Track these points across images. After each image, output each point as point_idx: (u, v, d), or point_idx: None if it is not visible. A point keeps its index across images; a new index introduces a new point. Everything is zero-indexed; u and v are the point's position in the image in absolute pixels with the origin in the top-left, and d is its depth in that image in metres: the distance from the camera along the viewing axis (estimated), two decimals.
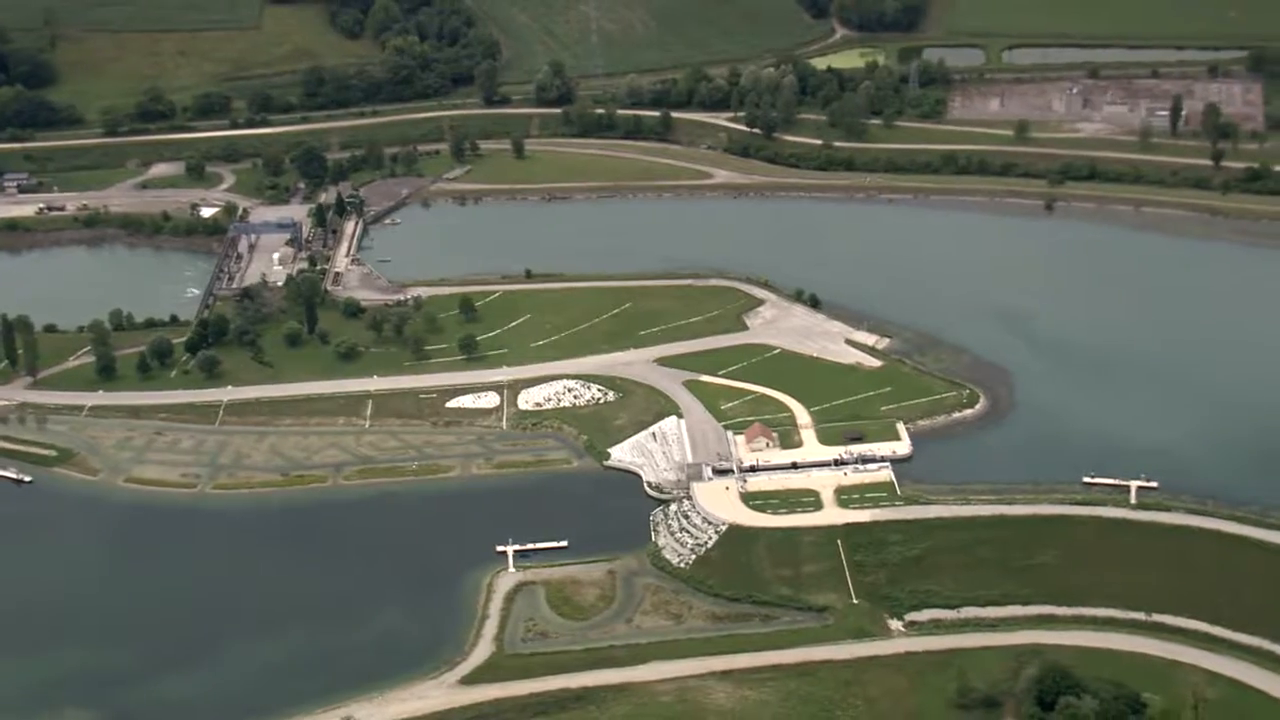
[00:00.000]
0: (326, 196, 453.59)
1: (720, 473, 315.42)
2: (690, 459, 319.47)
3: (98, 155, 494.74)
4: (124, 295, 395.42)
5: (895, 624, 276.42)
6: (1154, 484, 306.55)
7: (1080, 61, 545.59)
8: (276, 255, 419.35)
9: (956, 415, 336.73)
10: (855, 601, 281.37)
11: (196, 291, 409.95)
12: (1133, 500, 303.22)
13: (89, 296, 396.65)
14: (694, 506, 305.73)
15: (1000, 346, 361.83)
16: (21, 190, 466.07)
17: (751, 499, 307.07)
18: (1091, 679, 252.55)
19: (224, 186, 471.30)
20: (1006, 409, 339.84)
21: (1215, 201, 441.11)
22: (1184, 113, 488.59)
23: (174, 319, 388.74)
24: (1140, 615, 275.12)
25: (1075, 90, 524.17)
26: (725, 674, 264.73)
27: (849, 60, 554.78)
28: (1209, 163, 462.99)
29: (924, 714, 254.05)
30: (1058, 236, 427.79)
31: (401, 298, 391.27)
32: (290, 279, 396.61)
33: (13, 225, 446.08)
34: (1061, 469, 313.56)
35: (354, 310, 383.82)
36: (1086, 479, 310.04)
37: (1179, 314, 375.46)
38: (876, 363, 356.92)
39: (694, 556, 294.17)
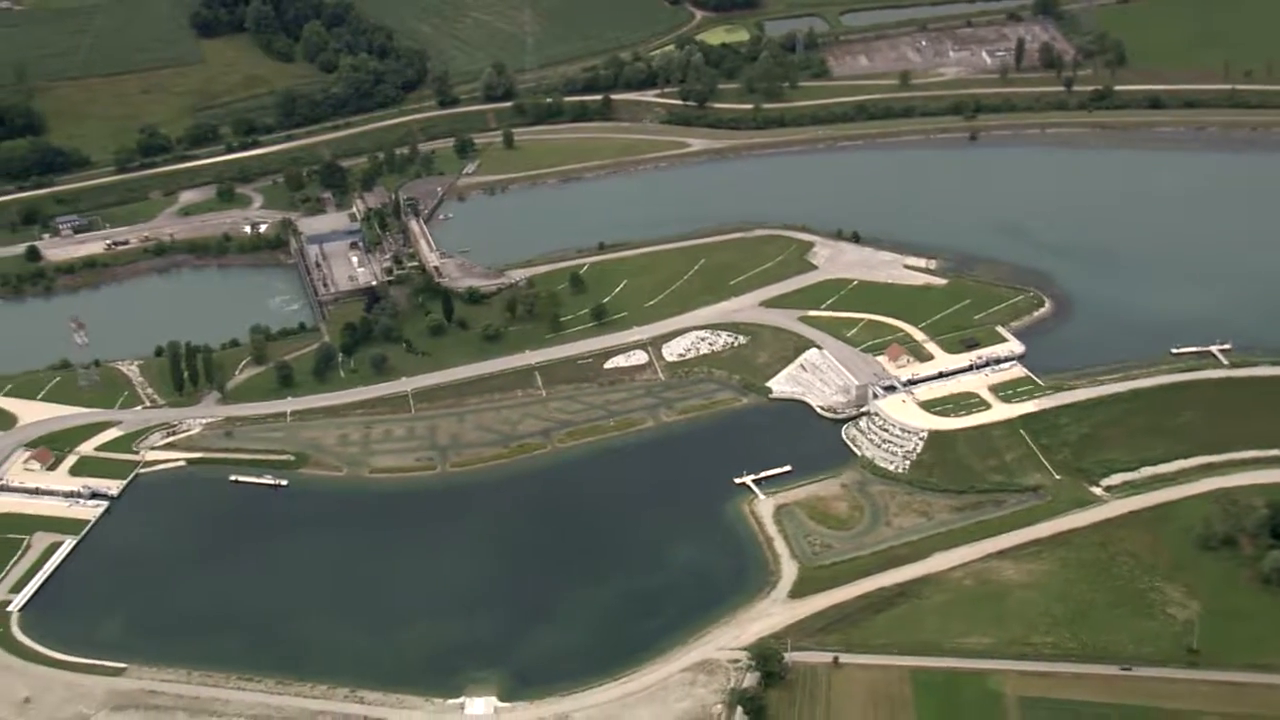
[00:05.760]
0: (361, 202, 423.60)
1: (887, 389, 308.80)
2: (856, 381, 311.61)
3: (121, 191, 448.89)
4: (223, 312, 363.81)
5: (1098, 490, 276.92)
6: (1228, 345, 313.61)
7: (907, 19, 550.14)
8: (355, 259, 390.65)
9: (1036, 315, 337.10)
10: (1059, 478, 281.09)
11: (283, 301, 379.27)
12: (1223, 361, 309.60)
13: (198, 316, 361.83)
14: (885, 421, 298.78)
15: (1026, 255, 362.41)
16: (76, 231, 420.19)
17: (930, 407, 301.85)
18: None
19: (256, 205, 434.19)
20: (1069, 305, 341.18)
21: (1100, 119, 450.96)
22: (1025, 50, 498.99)
23: (302, 326, 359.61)
24: (1278, 452, 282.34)
25: (925, 43, 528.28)
26: (1001, 554, 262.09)
27: (719, 36, 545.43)
28: (1060, 89, 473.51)
29: (1180, 559, 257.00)
30: (994, 159, 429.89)
31: (506, 281, 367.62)
32: (409, 277, 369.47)
33: (92, 263, 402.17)
34: (1147, 345, 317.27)
35: (476, 297, 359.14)
36: (1174, 350, 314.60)
37: (1137, 209, 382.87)
38: (942, 280, 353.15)
39: (908, 462, 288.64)
